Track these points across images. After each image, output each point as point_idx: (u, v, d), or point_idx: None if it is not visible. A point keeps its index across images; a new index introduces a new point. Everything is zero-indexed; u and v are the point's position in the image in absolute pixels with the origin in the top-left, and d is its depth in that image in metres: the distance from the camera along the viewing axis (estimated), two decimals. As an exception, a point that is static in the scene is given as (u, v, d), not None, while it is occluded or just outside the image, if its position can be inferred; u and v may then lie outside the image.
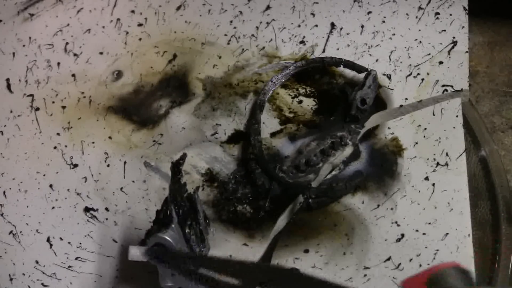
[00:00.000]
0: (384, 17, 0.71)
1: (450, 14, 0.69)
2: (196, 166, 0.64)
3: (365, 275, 0.56)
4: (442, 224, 0.58)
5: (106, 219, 0.61)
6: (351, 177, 0.62)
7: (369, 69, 0.65)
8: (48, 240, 0.60)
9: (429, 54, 0.67)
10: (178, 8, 0.75)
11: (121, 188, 0.63)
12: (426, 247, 0.56)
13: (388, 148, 0.63)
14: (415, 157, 0.62)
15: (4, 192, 0.63)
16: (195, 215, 0.55)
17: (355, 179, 0.62)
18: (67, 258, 0.59)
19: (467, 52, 0.67)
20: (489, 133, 0.68)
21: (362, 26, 0.70)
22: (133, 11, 0.75)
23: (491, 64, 0.88)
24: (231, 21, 0.73)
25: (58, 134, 0.67)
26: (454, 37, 0.68)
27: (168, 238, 0.50)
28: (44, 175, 0.64)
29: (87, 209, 0.62)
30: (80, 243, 0.60)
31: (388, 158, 0.62)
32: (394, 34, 0.69)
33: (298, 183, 0.62)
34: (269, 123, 0.66)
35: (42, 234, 0.61)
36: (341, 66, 0.66)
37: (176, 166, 0.52)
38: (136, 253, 0.49)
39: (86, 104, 0.69)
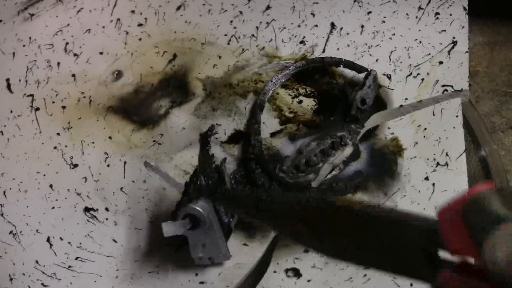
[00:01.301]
0: (384, 17, 0.71)
1: (450, 14, 0.69)
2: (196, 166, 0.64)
3: (365, 275, 0.56)
4: (442, 224, 0.57)
5: (106, 219, 0.61)
6: (351, 177, 0.62)
7: (369, 69, 0.65)
8: (48, 240, 0.60)
9: (429, 54, 0.67)
10: (178, 8, 0.75)
11: (121, 188, 0.63)
12: (426, 247, 0.56)
13: (388, 148, 0.63)
14: (415, 157, 0.62)
15: (4, 192, 0.63)
16: (223, 186, 0.55)
17: (355, 179, 0.62)
18: (67, 258, 0.59)
19: (467, 52, 0.67)
20: (489, 133, 0.67)
21: (362, 26, 0.70)
22: (133, 11, 0.75)
23: (491, 64, 0.88)
24: (231, 21, 0.73)
25: (58, 134, 0.67)
26: (454, 37, 0.68)
27: (199, 208, 0.50)
28: (44, 175, 0.64)
29: (87, 209, 0.62)
30: (80, 243, 0.60)
31: (388, 158, 0.62)
32: (394, 34, 0.69)
33: (298, 183, 0.61)
34: (269, 123, 0.66)
35: (42, 234, 0.61)
36: (341, 66, 0.66)
37: (205, 137, 0.53)
38: (169, 228, 0.49)
39: (86, 104, 0.69)
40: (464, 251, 0.30)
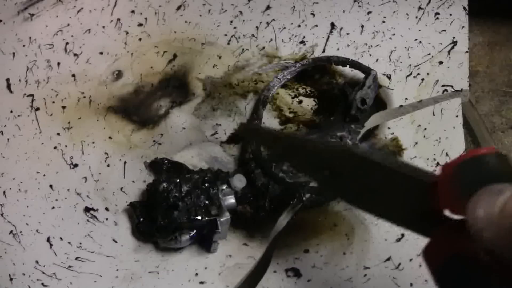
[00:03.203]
0: (384, 17, 0.71)
1: (450, 14, 0.69)
2: (196, 166, 0.64)
3: (365, 275, 0.56)
4: (442, 224, 0.57)
5: (106, 219, 0.61)
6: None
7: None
8: (48, 240, 0.60)
9: (429, 54, 0.67)
10: (178, 8, 0.75)
11: (121, 188, 0.63)
12: (426, 247, 0.56)
13: (388, 148, 0.63)
14: (415, 157, 0.62)
15: (4, 192, 0.63)
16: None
17: None
18: (67, 258, 0.59)
19: (467, 52, 0.67)
20: (489, 133, 0.68)
21: (362, 26, 0.71)
22: (133, 11, 0.75)
23: (491, 64, 0.88)
24: (231, 21, 0.73)
25: (58, 134, 0.67)
26: (454, 37, 0.68)
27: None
28: (44, 175, 0.64)
29: (87, 209, 0.62)
30: (80, 243, 0.60)
31: (388, 158, 0.62)
32: (394, 34, 0.69)
33: (297, 183, 0.61)
34: (269, 123, 0.66)
35: (42, 234, 0.60)
36: (347, 65, 0.66)
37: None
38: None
39: (86, 104, 0.69)
40: (456, 209, 0.30)
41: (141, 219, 0.59)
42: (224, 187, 0.60)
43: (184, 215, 0.56)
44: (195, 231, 0.57)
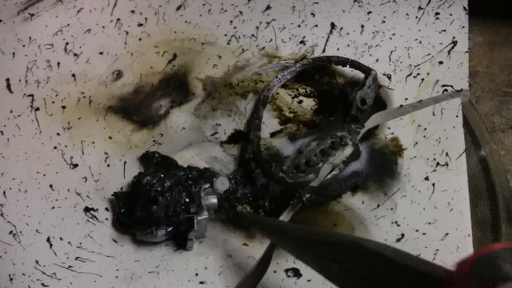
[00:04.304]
0: (384, 17, 0.71)
1: (450, 14, 0.69)
2: (196, 166, 0.64)
3: (365, 275, 0.56)
4: (442, 224, 0.58)
5: (106, 219, 0.61)
6: (347, 177, 0.62)
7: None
8: (48, 240, 0.60)
9: (429, 54, 0.67)
10: (178, 8, 0.75)
11: (121, 188, 0.63)
12: (426, 247, 0.56)
13: (388, 148, 0.63)
14: (415, 157, 0.62)
15: (4, 192, 0.63)
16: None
17: (351, 180, 0.62)
18: (67, 258, 0.59)
19: (467, 52, 0.67)
20: (489, 133, 0.68)
21: (362, 26, 0.71)
22: (133, 11, 0.75)
23: (491, 64, 0.88)
24: (231, 21, 0.73)
25: (58, 134, 0.67)
26: (454, 37, 0.68)
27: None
28: (44, 175, 0.64)
29: (87, 209, 0.62)
30: (80, 243, 0.60)
31: (388, 158, 0.62)
32: (394, 34, 0.69)
33: (298, 183, 0.61)
34: (269, 123, 0.66)
35: (42, 234, 0.60)
36: (347, 65, 0.66)
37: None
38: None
39: (86, 104, 0.69)
40: None
41: (122, 210, 0.59)
42: (207, 186, 0.59)
43: (163, 210, 0.56)
44: (172, 227, 0.57)
